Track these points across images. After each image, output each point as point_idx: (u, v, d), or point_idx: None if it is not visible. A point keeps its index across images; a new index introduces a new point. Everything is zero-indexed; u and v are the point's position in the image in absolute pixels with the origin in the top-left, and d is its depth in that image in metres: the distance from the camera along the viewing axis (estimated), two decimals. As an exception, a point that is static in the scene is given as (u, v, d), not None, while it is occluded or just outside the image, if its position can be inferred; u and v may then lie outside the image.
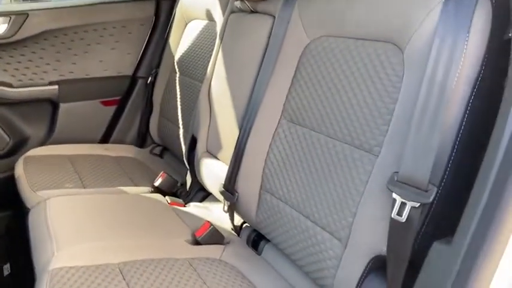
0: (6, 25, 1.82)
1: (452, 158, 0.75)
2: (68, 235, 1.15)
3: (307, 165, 1.05)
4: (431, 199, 0.74)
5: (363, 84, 0.94)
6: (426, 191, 0.74)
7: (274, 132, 1.16)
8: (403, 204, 0.76)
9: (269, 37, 1.23)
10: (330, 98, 1.02)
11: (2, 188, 1.78)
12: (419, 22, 0.82)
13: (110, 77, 2.05)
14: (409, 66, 0.83)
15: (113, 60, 2.03)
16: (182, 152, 1.70)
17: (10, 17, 1.82)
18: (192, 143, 1.55)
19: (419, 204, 0.74)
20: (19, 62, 1.87)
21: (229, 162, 1.27)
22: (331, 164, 0.98)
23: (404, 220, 0.76)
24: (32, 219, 1.29)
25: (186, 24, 1.86)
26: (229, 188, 1.26)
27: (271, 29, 1.22)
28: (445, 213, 0.75)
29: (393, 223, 0.78)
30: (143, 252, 1.12)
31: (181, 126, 1.77)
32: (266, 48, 1.23)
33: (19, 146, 1.92)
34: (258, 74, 1.24)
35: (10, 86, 1.86)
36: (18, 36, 1.83)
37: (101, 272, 1.00)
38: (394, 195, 0.78)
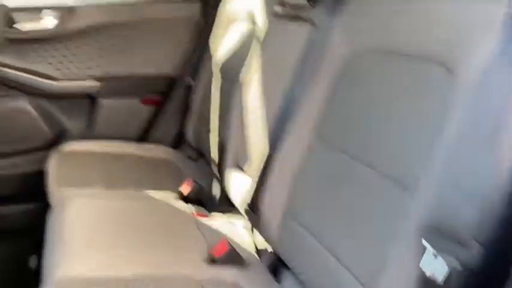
0: (54, 19, 1.84)
1: (503, 210, 0.62)
2: (81, 241, 1.12)
3: (336, 194, 0.94)
4: (470, 257, 0.61)
5: (407, 109, 0.82)
6: (466, 247, 0.62)
7: (305, 152, 1.06)
8: (436, 258, 0.64)
9: (307, 46, 1.13)
10: (369, 121, 0.90)
11: (38, 180, 1.79)
12: (476, 44, 0.69)
13: (152, 75, 2.02)
14: (461, 94, 0.70)
15: (156, 58, 2.00)
16: (214, 157, 1.64)
17: (59, 11, 1.83)
18: (223, 151, 1.48)
19: (454, 260, 0.62)
20: (64, 56, 1.88)
21: (255, 178, 1.18)
22: (363, 196, 0.87)
23: (435, 277, 0.64)
24: (51, 218, 1.27)
25: (229, 26, 1.79)
26: (253, 206, 1.17)
27: (310, 37, 1.12)
28: (485, 277, 0.62)
29: (424, 278, 0.66)
30: (155, 266, 1.06)
31: (215, 132, 1.70)
32: (303, 58, 1.13)
33: (57, 139, 1.93)
34: (292, 85, 1.14)
35: (54, 79, 1.87)
36: (64, 31, 1.84)
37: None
38: (427, 246, 0.66)
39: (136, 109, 2.02)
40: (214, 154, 1.62)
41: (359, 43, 1.00)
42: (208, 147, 1.74)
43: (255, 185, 1.19)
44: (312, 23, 1.15)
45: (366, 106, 0.92)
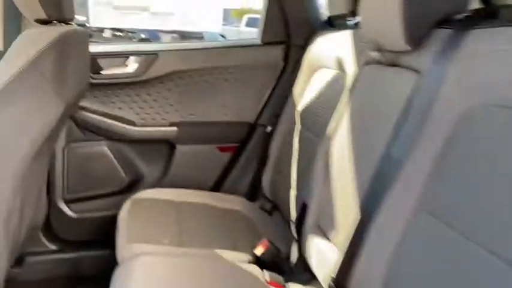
0: (137, 64, 1.85)
1: None
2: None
3: (447, 280, 0.74)
4: None
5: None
6: None
7: (406, 223, 0.87)
8: None
9: (411, 97, 0.96)
10: (495, 196, 0.70)
11: (111, 226, 1.75)
12: None
13: (230, 122, 1.95)
14: None
15: (235, 105, 1.94)
16: (292, 216, 1.48)
17: (141, 57, 1.84)
18: (303, 210, 1.32)
19: None
20: (144, 102, 1.88)
21: (342, 248, 1.01)
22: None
23: None
24: (117, 274, 1.18)
25: (314, 73, 1.67)
26: (339, 283, 0.99)
27: (413, 88, 0.95)
28: None
29: None
30: None
31: (294, 186, 1.56)
32: (405, 111, 0.96)
33: (133, 184, 1.90)
34: (390, 142, 0.97)
35: (133, 124, 1.86)
36: (146, 76, 1.84)
37: None
38: None
39: (213, 156, 1.95)
40: (292, 212, 1.47)
41: (477, 96, 0.81)
42: (286, 202, 1.59)
43: (342, 257, 1.01)
44: (416, 71, 0.98)
45: (488, 174, 0.73)
